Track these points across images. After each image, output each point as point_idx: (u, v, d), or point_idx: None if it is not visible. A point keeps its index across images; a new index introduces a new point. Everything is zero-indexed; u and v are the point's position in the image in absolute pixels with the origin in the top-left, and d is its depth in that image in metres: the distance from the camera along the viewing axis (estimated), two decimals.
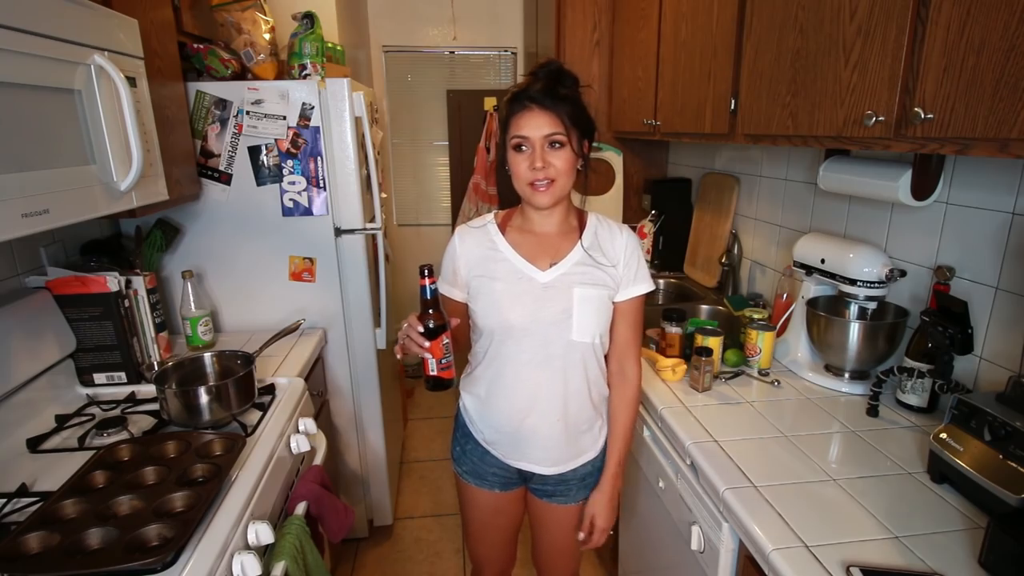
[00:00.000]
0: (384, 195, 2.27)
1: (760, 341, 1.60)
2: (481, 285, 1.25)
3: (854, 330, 1.44)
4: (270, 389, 1.57)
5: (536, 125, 1.14)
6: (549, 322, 1.21)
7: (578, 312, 1.21)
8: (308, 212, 1.98)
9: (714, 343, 1.58)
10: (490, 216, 1.32)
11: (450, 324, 1.16)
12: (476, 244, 1.28)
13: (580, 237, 1.26)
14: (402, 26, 3.72)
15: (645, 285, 1.28)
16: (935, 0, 0.95)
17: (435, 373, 1.14)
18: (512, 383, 1.26)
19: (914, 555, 0.93)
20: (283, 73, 1.99)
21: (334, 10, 2.59)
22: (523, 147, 1.16)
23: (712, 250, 2.34)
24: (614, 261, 1.25)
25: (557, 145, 1.15)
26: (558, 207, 1.24)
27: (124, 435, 1.36)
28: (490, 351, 1.27)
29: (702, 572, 1.23)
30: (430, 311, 1.13)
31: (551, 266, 1.23)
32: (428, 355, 1.13)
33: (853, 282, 1.44)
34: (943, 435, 1.10)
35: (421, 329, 1.12)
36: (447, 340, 1.14)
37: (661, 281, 2.57)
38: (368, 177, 2.10)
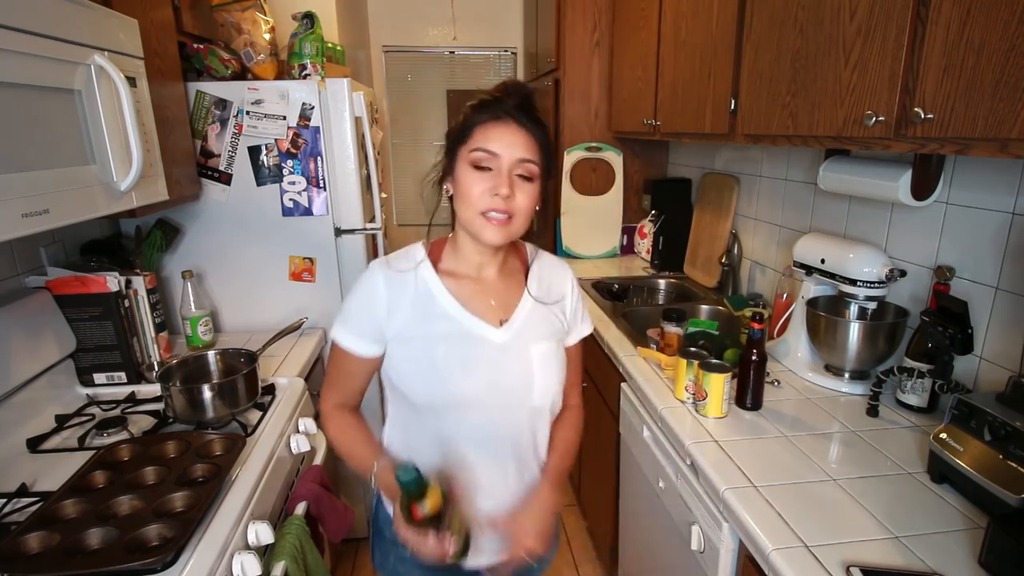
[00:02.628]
0: (384, 195, 2.27)
1: (707, 384, 1.32)
2: (415, 349, 0.99)
3: (854, 330, 1.44)
4: (270, 389, 1.57)
5: (510, 143, 0.93)
6: (508, 390, 1.00)
7: (540, 372, 1.02)
8: (308, 212, 1.98)
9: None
10: (419, 251, 1.05)
11: (450, 498, 0.92)
12: (408, 293, 1.00)
13: (526, 279, 1.07)
14: (402, 26, 3.72)
15: (588, 326, 1.16)
16: (935, 0, 0.95)
17: (454, 553, 0.90)
18: (453, 469, 1.00)
19: (914, 555, 0.93)
20: (283, 73, 1.99)
21: (334, 10, 2.59)
22: (486, 165, 0.93)
23: (712, 250, 2.34)
24: (559, 297, 1.09)
25: (527, 177, 0.95)
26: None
27: (124, 435, 1.36)
28: (415, 428, 1.03)
29: (702, 572, 1.23)
30: (423, 499, 0.87)
31: (502, 323, 1.02)
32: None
33: (853, 282, 1.44)
34: (943, 435, 1.10)
35: (432, 540, 0.88)
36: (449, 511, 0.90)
37: (661, 281, 2.57)
38: (368, 177, 2.10)
